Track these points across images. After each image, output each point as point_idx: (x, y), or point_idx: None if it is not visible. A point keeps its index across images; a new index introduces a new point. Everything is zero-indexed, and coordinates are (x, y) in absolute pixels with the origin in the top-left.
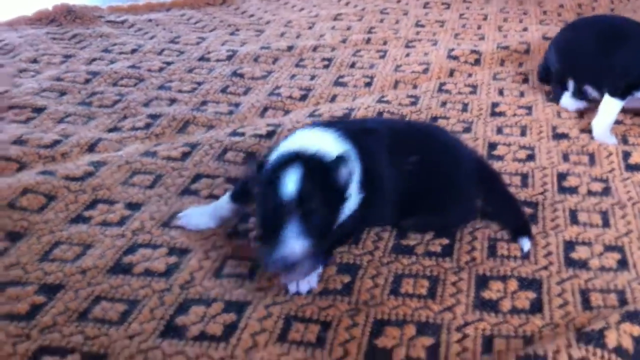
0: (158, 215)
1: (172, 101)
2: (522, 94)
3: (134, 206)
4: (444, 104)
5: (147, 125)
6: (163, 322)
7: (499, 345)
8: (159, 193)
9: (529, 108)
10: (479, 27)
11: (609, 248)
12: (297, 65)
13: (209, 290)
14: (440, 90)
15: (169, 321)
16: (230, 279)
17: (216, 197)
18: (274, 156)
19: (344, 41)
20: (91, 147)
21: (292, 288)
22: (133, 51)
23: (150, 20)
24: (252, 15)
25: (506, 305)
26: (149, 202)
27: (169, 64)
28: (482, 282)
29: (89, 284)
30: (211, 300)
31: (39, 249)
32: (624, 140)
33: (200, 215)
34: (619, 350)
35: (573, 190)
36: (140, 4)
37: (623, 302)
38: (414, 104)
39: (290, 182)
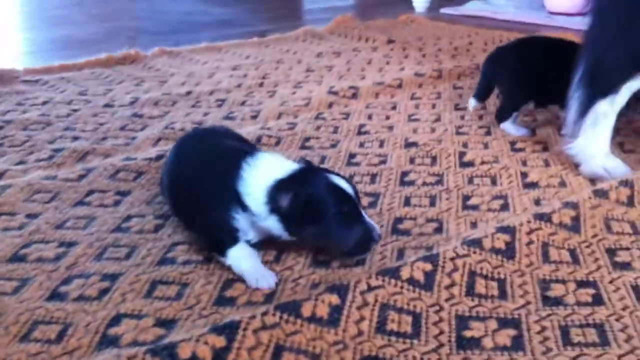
0: (53, 220)
1: (75, 138)
2: (387, 118)
3: (32, 216)
4: (318, 128)
5: (50, 157)
6: (49, 291)
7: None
8: (56, 205)
9: (391, 127)
10: (362, 70)
11: (429, 220)
12: (193, 106)
13: (89, 269)
14: (317, 118)
15: (54, 290)
16: (110, 260)
17: (105, 206)
18: (291, 182)
19: (239, 85)
20: None
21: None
22: (44, 103)
23: (62, 78)
24: (158, 70)
25: (336, 262)
26: (46, 212)
27: (75, 110)
28: None
29: None
30: (91, 274)
31: None
32: (465, 144)
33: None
34: (411, 280)
35: (411, 183)
36: (55, 65)
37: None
38: (291, 129)
39: (347, 186)
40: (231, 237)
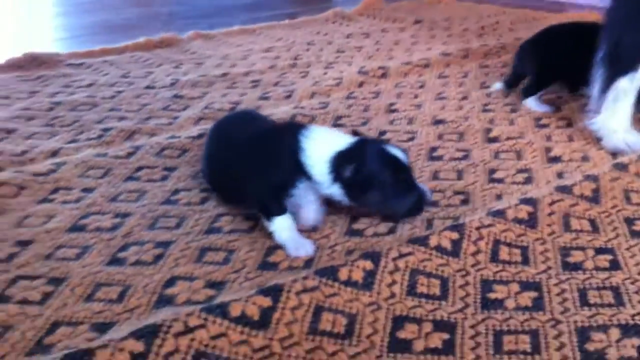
0: (107, 194)
1: (121, 118)
2: (415, 96)
3: (88, 190)
4: (349, 106)
5: (100, 136)
6: (108, 257)
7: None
8: (109, 180)
9: (419, 105)
10: (391, 50)
11: (456, 192)
12: (229, 87)
13: (144, 237)
14: (348, 97)
15: (113, 256)
16: (162, 229)
17: (154, 181)
18: (352, 154)
19: (272, 67)
20: (54, 154)
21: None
22: (89, 85)
23: (105, 61)
24: (194, 52)
25: (369, 231)
26: (100, 186)
27: (119, 92)
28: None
29: (52, 239)
30: (145, 242)
31: (13, 221)
32: (491, 121)
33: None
34: (439, 248)
35: (439, 158)
36: (96, 49)
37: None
38: (323, 108)
39: (402, 155)
40: (280, 207)
